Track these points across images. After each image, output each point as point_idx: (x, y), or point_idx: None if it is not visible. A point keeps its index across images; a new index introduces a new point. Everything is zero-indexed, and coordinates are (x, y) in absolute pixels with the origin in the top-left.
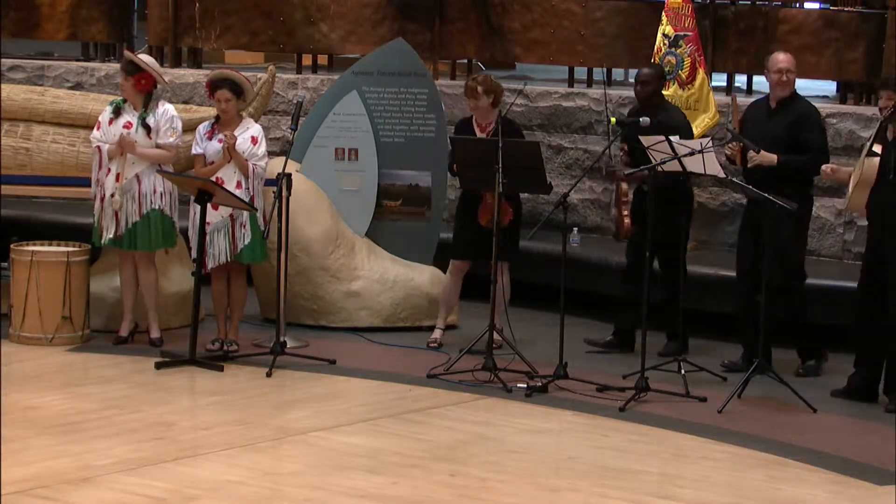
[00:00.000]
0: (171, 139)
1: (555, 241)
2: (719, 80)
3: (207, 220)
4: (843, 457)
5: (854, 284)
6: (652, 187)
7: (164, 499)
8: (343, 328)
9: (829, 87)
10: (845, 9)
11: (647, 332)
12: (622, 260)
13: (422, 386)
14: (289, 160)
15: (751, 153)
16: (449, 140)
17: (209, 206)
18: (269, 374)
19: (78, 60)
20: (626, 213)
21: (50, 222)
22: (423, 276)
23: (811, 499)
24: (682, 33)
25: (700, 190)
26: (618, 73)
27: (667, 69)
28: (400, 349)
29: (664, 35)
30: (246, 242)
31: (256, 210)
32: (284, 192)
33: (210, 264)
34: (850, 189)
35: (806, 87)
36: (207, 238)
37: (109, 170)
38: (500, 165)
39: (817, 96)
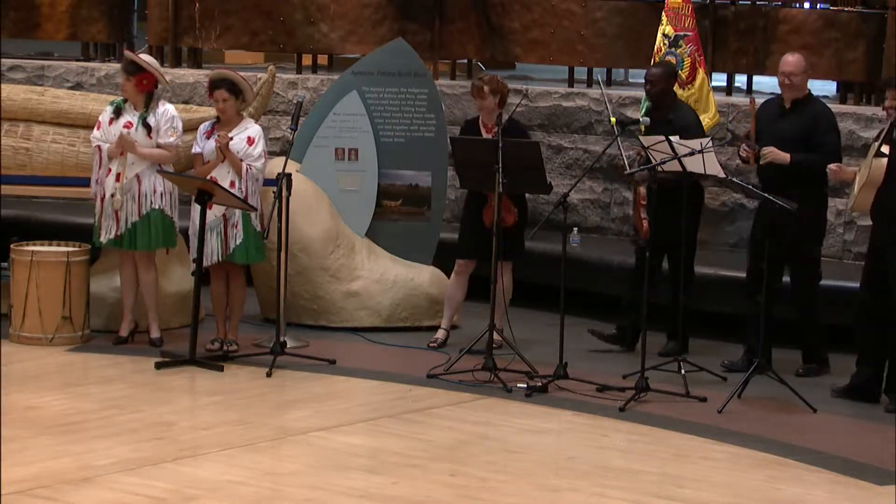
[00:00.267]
0: (172, 139)
1: (555, 241)
2: (719, 80)
3: (192, 218)
4: (843, 457)
5: (854, 284)
6: (656, 187)
7: (164, 499)
8: (343, 328)
9: (829, 87)
10: (845, 9)
11: (649, 331)
12: (623, 260)
13: (422, 386)
14: (289, 160)
15: (764, 150)
16: (449, 140)
17: None
18: (269, 374)
19: (78, 60)
20: (644, 215)
21: (50, 222)
22: (423, 276)
23: (811, 499)
24: (682, 33)
25: None
26: (618, 73)
27: None
28: (400, 349)
29: (664, 35)
30: (238, 242)
31: (256, 210)
32: (284, 192)
33: (203, 263)
34: (856, 189)
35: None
36: (192, 237)
37: (110, 170)
38: (500, 165)
39: (817, 96)
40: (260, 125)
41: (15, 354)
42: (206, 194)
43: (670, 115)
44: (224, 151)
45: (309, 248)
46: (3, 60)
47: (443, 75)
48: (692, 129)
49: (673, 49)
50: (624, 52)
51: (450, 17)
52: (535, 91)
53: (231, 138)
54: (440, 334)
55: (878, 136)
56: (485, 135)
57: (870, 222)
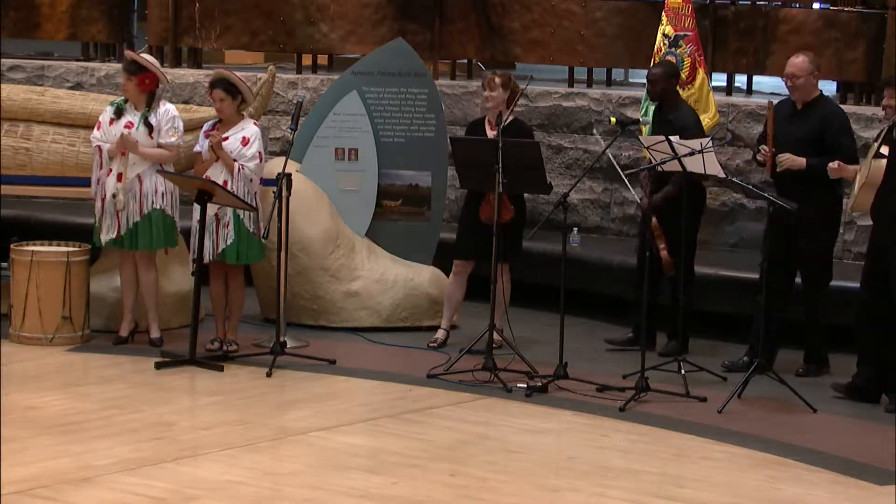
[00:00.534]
0: (173, 139)
1: (555, 241)
2: (719, 80)
3: (195, 219)
4: (843, 457)
5: (854, 284)
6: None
7: (164, 499)
8: (343, 328)
9: (829, 87)
10: (845, 9)
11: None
12: (623, 260)
13: (422, 386)
14: (289, 160)
15: (780, 157)
16: (449, 140)
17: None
18: (269, 374)
19: (78, 60)
20: (662, 246)
21: (50, 222)
22: (423, 276)
23: (811, 499)
24: (682, 33)
25: None
26: (618, 73)
27: None
28: (400, 349)
29: (664, 35)
30: (228, 243)
31: (256, 210)
32: (284, 192)
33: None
34: (856, 189)
35: None
36: (196, 237)
37: (111, 170)
38: (500, 165)
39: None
40: (260, 125)
41: (15, 354)
42: (206, 194)
43: (670, 116)
44: (216, 151)
45: (309, 248)
46: (3, 60)
47: (443, 75)
48: (691, 129)
49: (673, 49)
50: (624, 52)
51: (450, 17)
52: (535, 91)
53: (226, 138)
54: (440, 334)
55: (878, 136)
56: (490, 134)
57: (870, 222)
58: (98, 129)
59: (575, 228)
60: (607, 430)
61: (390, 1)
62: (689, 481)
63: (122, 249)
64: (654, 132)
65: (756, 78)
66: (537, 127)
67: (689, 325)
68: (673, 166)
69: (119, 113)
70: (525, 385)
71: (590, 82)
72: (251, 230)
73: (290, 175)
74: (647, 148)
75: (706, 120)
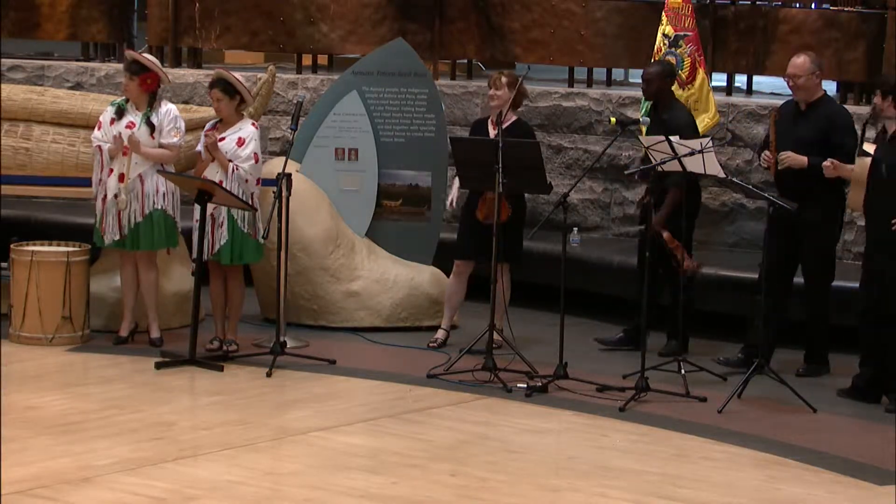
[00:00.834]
0: (175, 139)
1: (555, 241)
2: (719, 80)
3: (195, 218)
4: (843, 457)
5: (854, 284)
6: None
7: (164, 499)
8: (343, 328)
9: (829, 87)
10: (845, 9)
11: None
12: (623, 260)
13: (422, 386)
14: (289, 160)
15: (781, 154)
16: (449, 140)
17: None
18: (269, 374)
19: (78, 60)
20: (679, 255)
21: (50, 222)
22: (423, 276)
23: (811, 499)
24: (682, 33)
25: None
26: (618, 73)
27: None
28: (400, 349)
29: (664, 35)
30: (222, 243)
31: (256, 210)
32: (284, 192)
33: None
34: (851, 188)
35: None
36: (195, 237)
37: (112, 170)
38: (500, 165)
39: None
40: (260, 125)
41: (15, 354)
42: (206, 194)
43: (665, 115)
44: (211, 150)
45: (309, 248)
46: (3, 60)
47: (443, 75)
48: (685, 129)
49: (673, 49)
50: (624, 52)
51: (450, 17)
52: (535, 91)
53: (222, 138)
54: (440, 334)
55: (862, 134)
56: (493, 134)
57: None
58: (99, 128)
59: (575, 228)
60: (607, 430)
61: (390, 1)
62: (688, 481)
63: (124, 249)
64: (648, 132)
65: (756, 78)
66: (537, 127)
67: (689, 324)
68: (668, 165)
69: (120, 113)
70: (525, 385)
71: (590, 82)
72: (246, 231)
73: (290, 175)
74: (648, 148)
75: (706, 120)
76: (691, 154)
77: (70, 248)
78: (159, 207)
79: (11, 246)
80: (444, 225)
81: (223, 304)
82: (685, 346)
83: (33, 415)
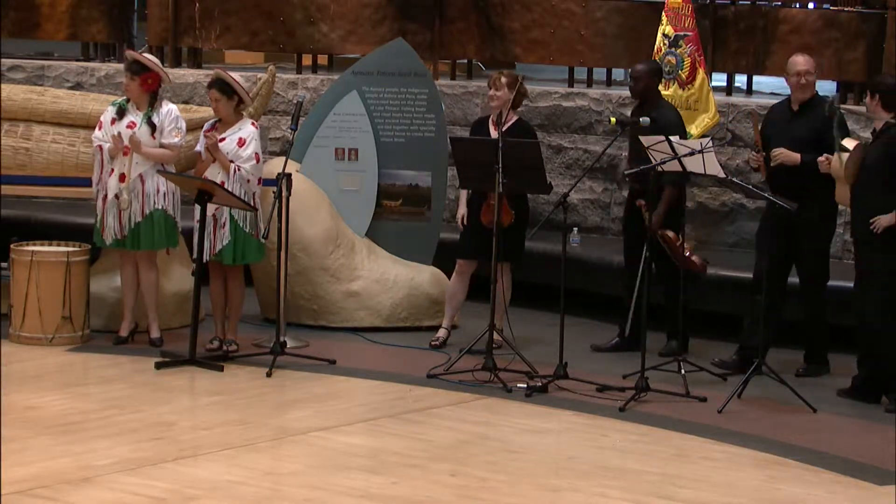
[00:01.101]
0: (176, 139)
1: (555, 241)
2: (719, 80)
3: (195, 218)
4: (843, 457)
5: (853, 284)
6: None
7: (164, 499)
8: (343, 328)
9: (829, 87)
10: (845, 9)
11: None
12: (623, 260)
13: (422, 386)
14: (289, 160)
15: (774, 151)
16: (449, 140)
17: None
18: (269, 374)
19: (78, 60)
20: (687, 253)
21: (50, 222)
22: (423, 276)
23: (811, 499)
24: (682, 33)
25: (700, 190)
26: (618, 73)
27: (667, 69)
28: (400, 349)
29: (664, 35)
30: (224, 243)
31: (257, 210)
32: (284, 192)
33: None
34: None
35: None
36: (196, 237)
37: (112, 170)
38: (501, 165)
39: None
40: (260, 125)
41: (15, 354)
42: (206, 194)
43: (653, 114)
44: (212, 151)
45: (309, 248)
46: (3, 60)
47: (443, 75)
48: (673, 129)
49: (673, 49)
50: (624, 52)
51: (450, 17)
52: (535, 91)
53: (223, 139)
54: (441, 333)
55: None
56: (494, 134)
57: None
58: (100, 128)
59: (575, 228)
60: (607, 430)
61: (390, 1)
62: (688, 481)
63: (124, 249)
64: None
65: (756, 78)
66: (537, 127)
67: (689, 324)
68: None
69: (121, 113)
70: (525, 385)
71: (590, 82)
72: (248, 231)
73: (290, 175)
74: (648, 148)
75: (706, 120)
76: (691, 154)
77: (70, 248)
78: (160, 207)
79: (11, 246)
80: (444, 225)
81: (223, 304)
82: (685, 346)
83: (33, 415)
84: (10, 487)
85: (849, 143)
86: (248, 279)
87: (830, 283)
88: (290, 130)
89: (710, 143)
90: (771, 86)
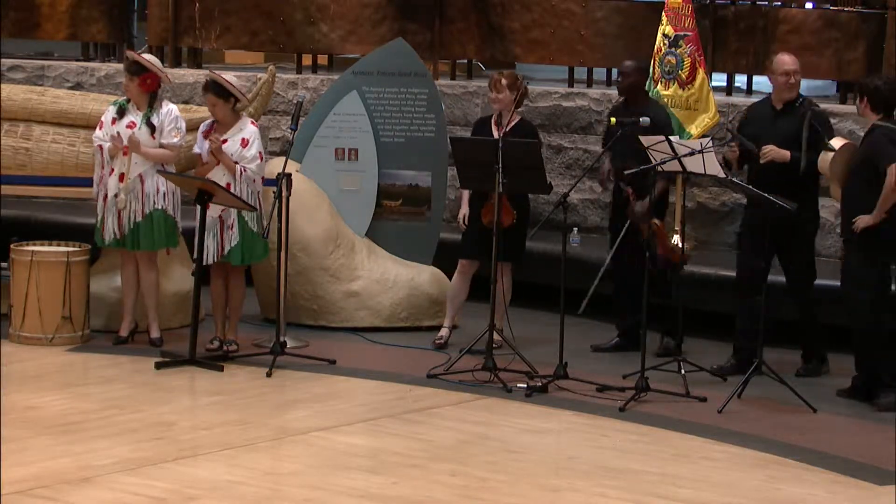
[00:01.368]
0: (175, 139)
1: (555, 241)
2: (719, 80)
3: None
4: (843, 457)
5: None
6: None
7: (164, 499)
8: (343, 328)
9: (829, 87)
10: (845, 9)
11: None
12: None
13: (422, 386)
14: (289, 160)
15: (764, 148)
16: (449, 140)
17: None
18: (269, 374)
19: (78, 60)
20: (671, 243)
21: (50, 222)
22: (423, 276)
23: (811, 498)
24: (682, 33)
25: (700, 190)
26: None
27: (667, 69)
28: (400, 349)
29: (664, 35)
30: (233, 244)
31: (256, 210)
32: (284, 192)
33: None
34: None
35: (806, 87)
36: (196, 237)
37: (112, 169)
38: (500, 165)
39: (817, 96)
40: (260, 125)
41: (15, 354)
42: (206, 194)
43: (642, 110)
44: (217, 155)
45: (309, 248)
46: (3, 60)
47: (443, 75)
48: (664, 128)
49: (673, 49)
50: (624, 52)
51: (450, 17)
52: (535, 91)
53: (225, 141)
54: (444, 332)
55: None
56: (496, 134)
57: None
58: (100, 128)
59: (575, 228)
60: (607, 430)
61: (390, 1)
62: (688, 481)
63: (124, 249)
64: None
65: (756, 78)
66: (537, 127)
67: (689, 324)
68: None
69: (121, 112)
70: (525, 385)
71: (590, 82)
72: (256, 230)
73: (290, 175)
74: (647, 148)
75: (706, 120)
76: (691, 154)
77: (70, 248)
78: (159, 207)
79: (11, 246)
80: (444, 225)
81: (224, 303)
82: (679, 346)
83: (33, 415)
84: (10, 487)
85: (836, 143)
86: (248, 279)
87: (830, 282)
88: (290, 130)
89: (710, 143)
90: (770, 86)
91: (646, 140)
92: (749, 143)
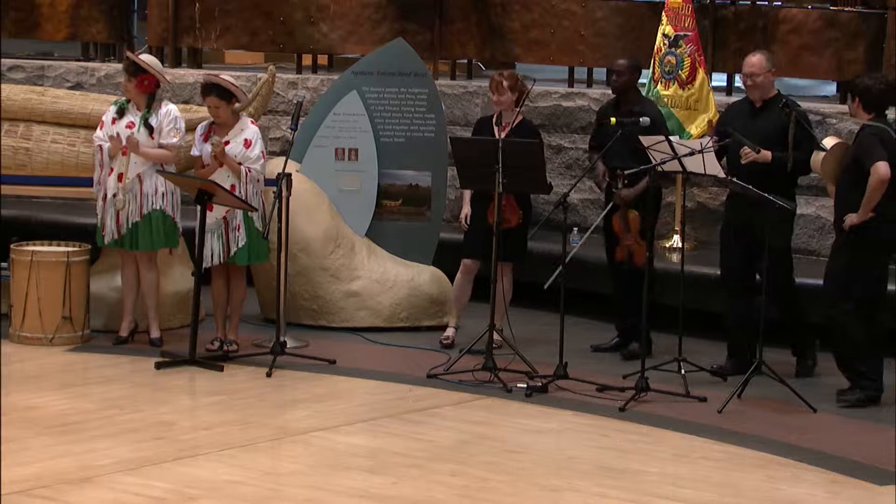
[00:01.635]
0: (175, 139)
1: (555, 241)
2: (719, 80)
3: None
4: (843, 457)
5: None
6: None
7: (164, 499)
8: (343, 328)
9: (829, 87)
10: (845, 9)
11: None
12: None
13: (422, 386)
14: (289, 160)
15: (745, 149)
16: (449, 140)
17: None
18: (269, 374)
19: (78, 60)
20: (637, 239)
21: (50, 222)
22: (423, 276)
23: (810, 499)
24: (682, 33)
25: (700, 190)
26: None
27: (667, 69)
28: (400, 349)
29: (664, 35)
30: (240, 245)
31: (257, 210)
32: (284, 192)
33: (204, 264)
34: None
35: (806, 86)
36: (196, 238)
37: (112, 169)
38: (500, 165)
39: (817, 96)
40: (260, 125)
41: (15, 354)
42: (207, 195)
43: (636, 108)
44: (220, 158)
45: (309, 248)
46: (3, 60)
47: (443, 75)
48: (660, 125)
49: (673, 49)
50: (624, 52)
51: (450, 17)
52: (535, 91)
53: (227, 143)
54: (450, 332)
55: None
56: (498, 134)
57: None
58: (101, 128)
59: (575, 228)
60: (607, 430)
61: (390, 1)
62: (688, 481)
63: (124, 249)
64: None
65: None
66: (537, 127)
67: (688, 325)
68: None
69: (121, 113)
70: (525, 385)
71: (590, 82)
72: (260, 230)
73: (290, 175)
74: (647, 148)
75: (706, 120)
76: (691, 154)
77: (70, 248)
78: (158, 208)
79: (11, 246)
80: (444, 225)
81: (224, 303)
82: (649, 348)
83: (33, 415)
84: (10, 487)
85: (828, 142)
86: (248, 279)
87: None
88: (290, 130)
89: (710, 143)
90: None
91: (646, 140)
92: (747, 141)
